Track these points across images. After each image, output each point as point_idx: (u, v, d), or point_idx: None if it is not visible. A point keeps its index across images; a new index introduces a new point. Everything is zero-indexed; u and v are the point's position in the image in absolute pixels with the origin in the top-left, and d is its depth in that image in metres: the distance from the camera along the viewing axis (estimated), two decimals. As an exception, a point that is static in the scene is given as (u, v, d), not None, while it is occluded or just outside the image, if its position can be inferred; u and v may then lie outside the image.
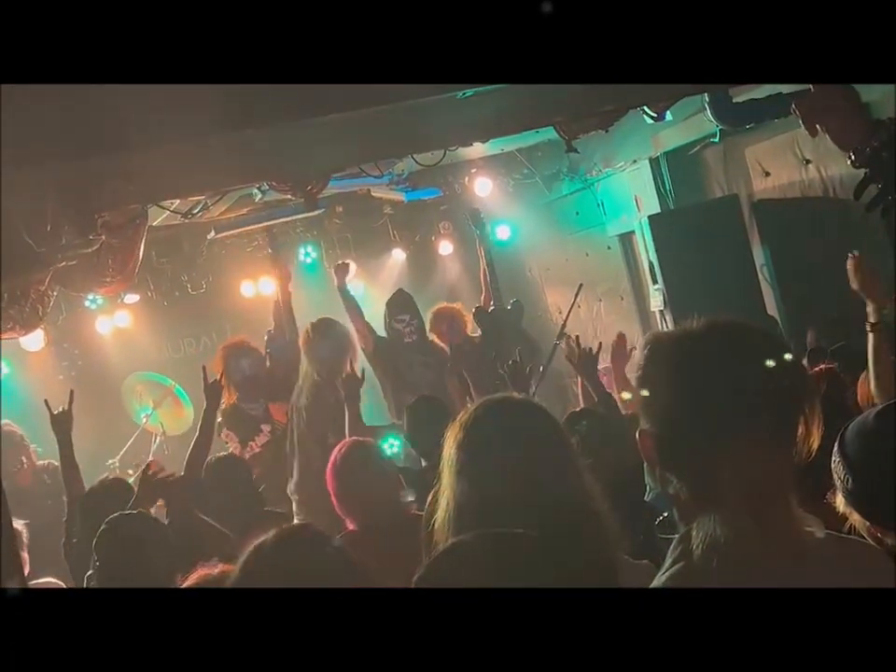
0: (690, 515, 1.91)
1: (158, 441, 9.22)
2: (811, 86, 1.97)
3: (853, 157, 2.57)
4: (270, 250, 8.93)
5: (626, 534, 2.72)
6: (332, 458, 4.55)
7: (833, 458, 2.49)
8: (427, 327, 8.44)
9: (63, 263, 4.28)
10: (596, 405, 5.80)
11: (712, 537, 1.84)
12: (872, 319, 4.19)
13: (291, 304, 8.09)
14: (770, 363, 1.86)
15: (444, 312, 8.57)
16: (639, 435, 1.93)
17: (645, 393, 1.95)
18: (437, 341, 8.45)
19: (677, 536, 1.96)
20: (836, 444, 2.48)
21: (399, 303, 8.52)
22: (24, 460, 7.70)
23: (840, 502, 2.50)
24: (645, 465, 1.98)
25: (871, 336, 4.19)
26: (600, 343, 6.44)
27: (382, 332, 8.50)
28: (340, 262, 8.87)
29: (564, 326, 8.48)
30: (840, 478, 2.48)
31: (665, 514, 3.05)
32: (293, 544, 2.39)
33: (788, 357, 1.91)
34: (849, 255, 4.29)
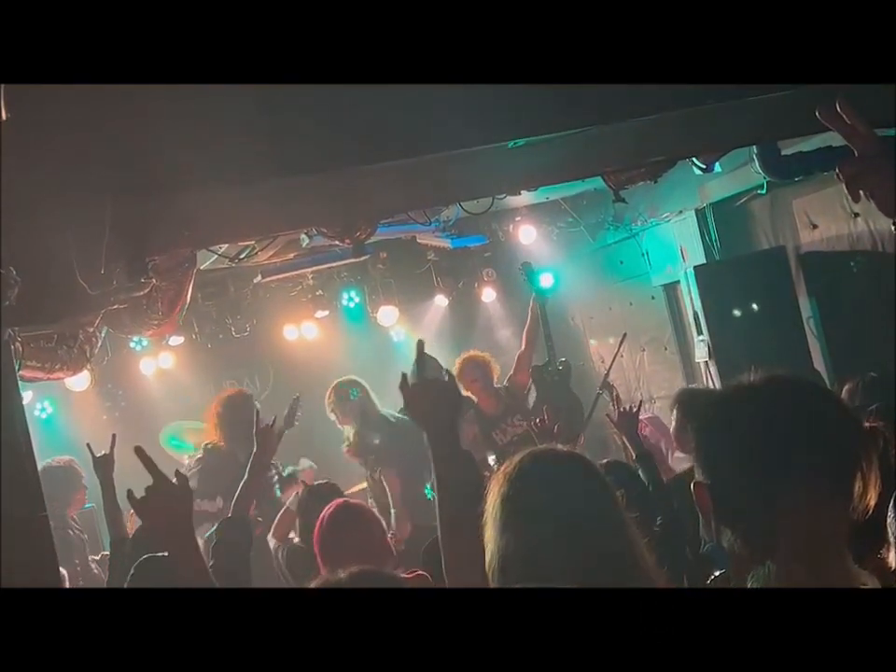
0: (744, 569, 1.89)
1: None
2: (855, 150, 1.96)
3: None
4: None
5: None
6: (321, 518, 4.46)
7: (889, 514, 2.46)
8: (456, 373, 8.29)
9: (116, 306, 4.32)
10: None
11: None
12: None
13: None
14: (829, 419, 1.85)
15: (475, 360, 8.41)
16: (694, 487, 1.92)
17: (701, 444, 1.94)
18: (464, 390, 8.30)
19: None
20: (892, 501, 2.45)
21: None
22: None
23: (893, 559, 2.47)
24: (700, 517, 1.95)
25: None
26: (640, 401, 6.39)
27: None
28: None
29: (607, 375, 8.45)
30: (894, 534, 2.45)
31: (717, 573, 3.01)
32: (368, 583, 2.36)
33: (847, 413, 1.89)
34: None
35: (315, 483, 6.15)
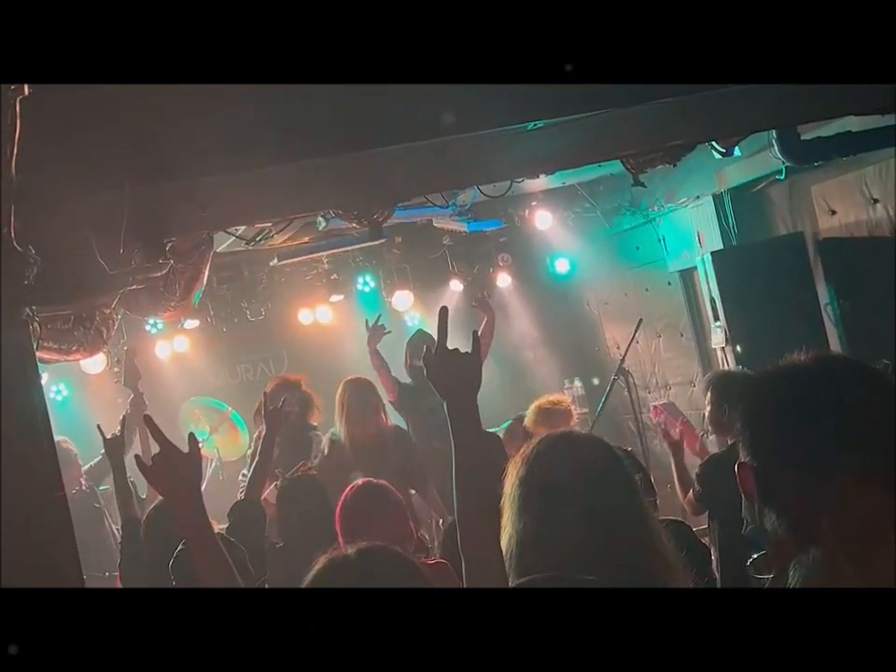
0: (786, 554, 1.85)
1: (213, 466, 9.23)
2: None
3: None
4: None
5: (691, 575, 2.67)
6: (343, 497, 4.37)
7: None
8: (529, 423, 7.98)
9: (133, 287, 4.33)
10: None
11: (808, 579, 1.80)
12: None
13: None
14: (879, 401, 1.82)
15: (553, 411, 7.62)
16: (739, 468, 1.88)
17: (748, 425, 1.91)
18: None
19: (770, 576, 1.92)
20: None
21: (419, 344, 7.98)
22: (83, 482, 7.78)
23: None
24: (743, 499, 1.92)
25: None
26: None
27: (404, 375, 8.39)
28: (375, 325, 8.43)
29: (622, 361, 8.43)
30: None
31: (756, 555, 2.98)
32: (378, 560, 2.36)
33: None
34: None
35: (295, 474, 6.07)
